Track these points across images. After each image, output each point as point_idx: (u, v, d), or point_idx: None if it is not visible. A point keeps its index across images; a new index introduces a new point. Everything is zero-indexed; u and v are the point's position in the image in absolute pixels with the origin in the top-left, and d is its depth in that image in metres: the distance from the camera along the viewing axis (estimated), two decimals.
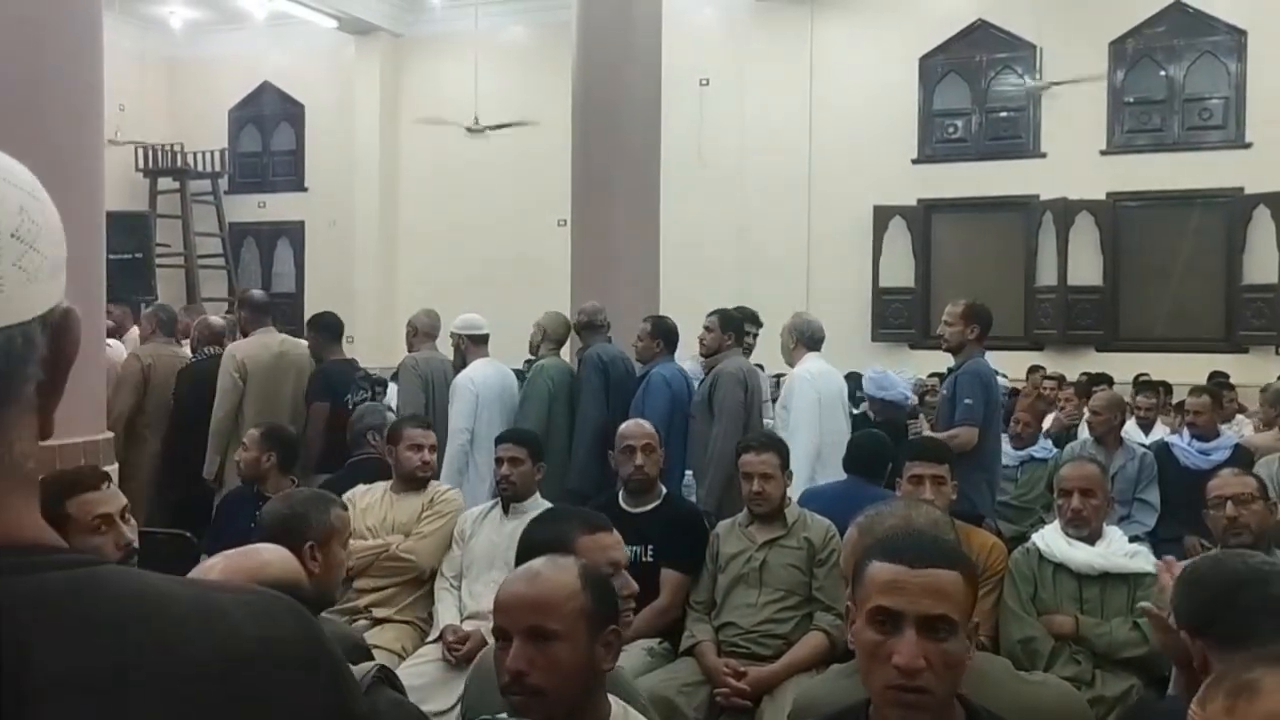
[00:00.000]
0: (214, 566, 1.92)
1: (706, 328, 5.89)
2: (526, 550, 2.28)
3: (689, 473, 5.50)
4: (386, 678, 2.18)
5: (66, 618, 0.68)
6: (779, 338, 6.04)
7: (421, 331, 6.68)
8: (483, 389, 5.93)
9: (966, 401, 5.19)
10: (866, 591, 1.72)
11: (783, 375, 6.29)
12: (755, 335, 6.39)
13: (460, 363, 6.23)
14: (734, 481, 4.89)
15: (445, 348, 6.65)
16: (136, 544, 2.82)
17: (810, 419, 5.39)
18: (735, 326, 5.87)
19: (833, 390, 5.71)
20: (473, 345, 6.26)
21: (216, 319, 7.26)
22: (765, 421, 5.87)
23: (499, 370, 6.21)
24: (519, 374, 6.67)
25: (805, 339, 5.84)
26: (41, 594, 0.68)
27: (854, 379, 9.66)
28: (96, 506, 2.74)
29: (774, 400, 6.38)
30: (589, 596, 1.87)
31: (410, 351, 6.65)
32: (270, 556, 2.08)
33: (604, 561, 2.31)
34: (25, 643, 0.66)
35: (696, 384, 5.89)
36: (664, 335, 5.95)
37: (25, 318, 0.71)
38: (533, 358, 6.52)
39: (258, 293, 6.75)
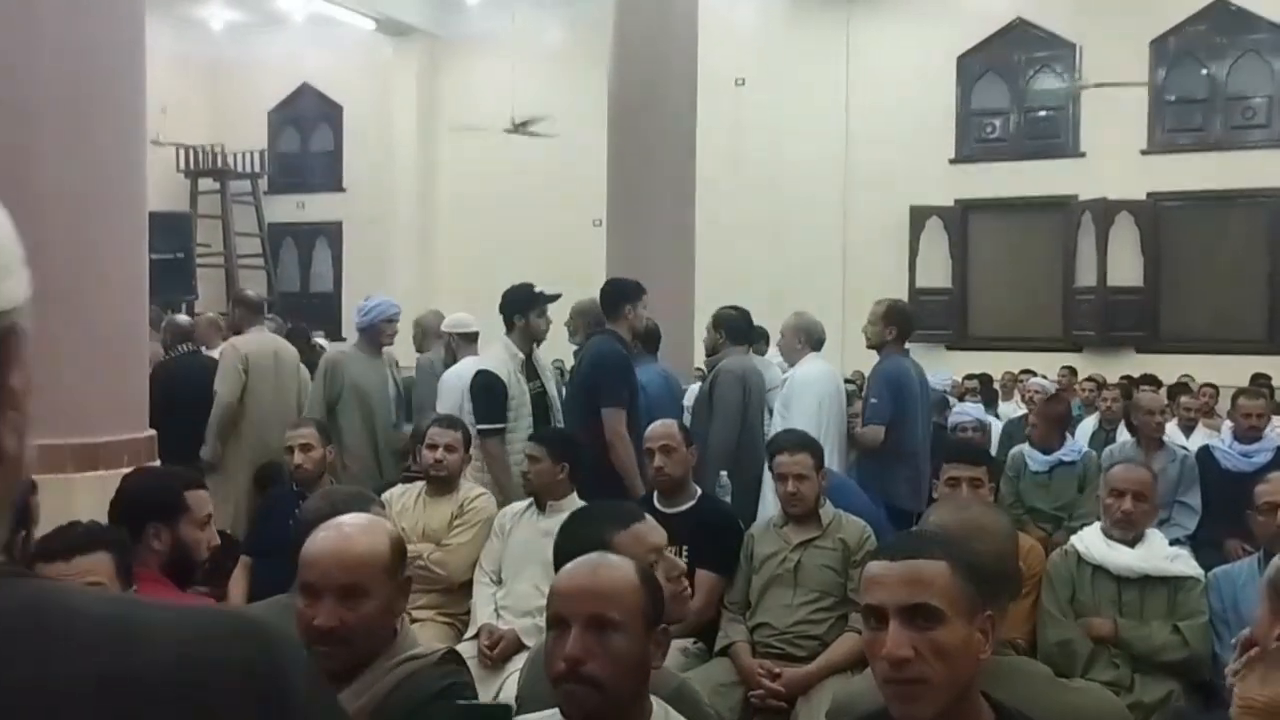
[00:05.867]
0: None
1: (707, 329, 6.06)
2: (566, 556, 2.26)
3: (724, 473, 5.49)
4: (454, 658, 2.23)
5: None
6: (781, 336, 6.04)
7: (430, 332, 6.90)
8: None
9: (873, 401, 5.56)
10: (861, 592, 1.77)
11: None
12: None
13: (450, 360, 6.30)
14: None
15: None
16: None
17: (809, 423, 5.35)
18: (729, 327, 5.88)
19: (832, 392, 5.70)
20: (463, 343, 6.36)
21: (183, 318, 7.44)
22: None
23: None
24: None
25: (809, 339, 5.83)
26: None
27: None
28: (205, 505, 2.93)
29: None
30: (645, 593, 1.90)
31: (420, 352, 6.89)
32: (354, 530, 2.16)
33: (646, 551, 2.31)
34: None
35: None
36: (639, 336, 5.92)
37: None
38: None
39: (252, 292, 6.84)
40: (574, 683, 1.80)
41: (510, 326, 5.29)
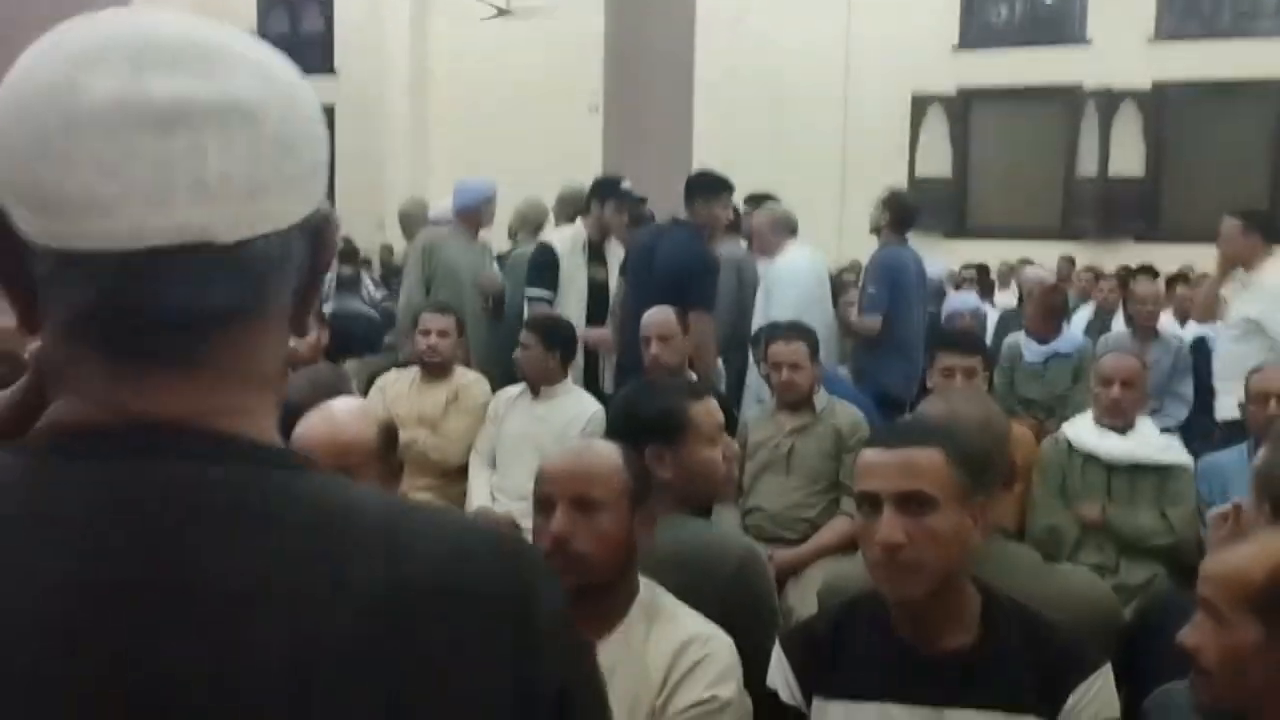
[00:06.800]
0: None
1: None
2: (628, 418, 2.43)
3: (718, 360, 5.50)
4: None
5: (235, 514, 0.65)
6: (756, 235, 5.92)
7: (416, 220, 7.01)
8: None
9: (870, 290, 5.53)
10: (855, 479, 1.81)
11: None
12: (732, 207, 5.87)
13: None
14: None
15: None
16: None
17: (788, 314, 5.27)
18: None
19: (814, 280, 5.63)
20: None
21: None
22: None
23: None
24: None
25: (786, 227, 5.77)
26: (222, 485, 0.65)
27: None
28: None
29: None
30: (630, 474, 1.94)
31: (410, 240, 6.84)
32: (342, 416, 2.17)
33: (715, 425, 2.45)
34: (184, 533, 0.64)
35: None
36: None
37: (283, 225, 0.68)
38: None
39: None
40: (559, 560, 1.84)
41: (587, 210, 5.49)
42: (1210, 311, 5.39)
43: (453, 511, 0.77)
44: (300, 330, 0.74)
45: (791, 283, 5.44)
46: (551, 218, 6.36)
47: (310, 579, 0.64)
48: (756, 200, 6.24)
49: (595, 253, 5.44)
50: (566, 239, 5.41)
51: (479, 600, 0.67)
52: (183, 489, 0.65)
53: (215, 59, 0.67)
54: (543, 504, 1.92)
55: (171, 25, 0.68)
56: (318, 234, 0.72)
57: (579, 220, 5.56)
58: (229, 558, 0.63)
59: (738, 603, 2.10)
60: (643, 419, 2.41)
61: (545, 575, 0.73)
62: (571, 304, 5.26)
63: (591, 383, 5.08)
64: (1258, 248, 5.05)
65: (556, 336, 4.32)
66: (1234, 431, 4.68)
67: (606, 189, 5.46)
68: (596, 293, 5.38)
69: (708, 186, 5.21)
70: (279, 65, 0.74)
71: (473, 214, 5.62)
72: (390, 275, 9.35)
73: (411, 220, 7.11)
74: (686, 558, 2.10)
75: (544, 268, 5.30)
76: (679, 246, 4.96)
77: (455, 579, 0.67)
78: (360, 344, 6.31)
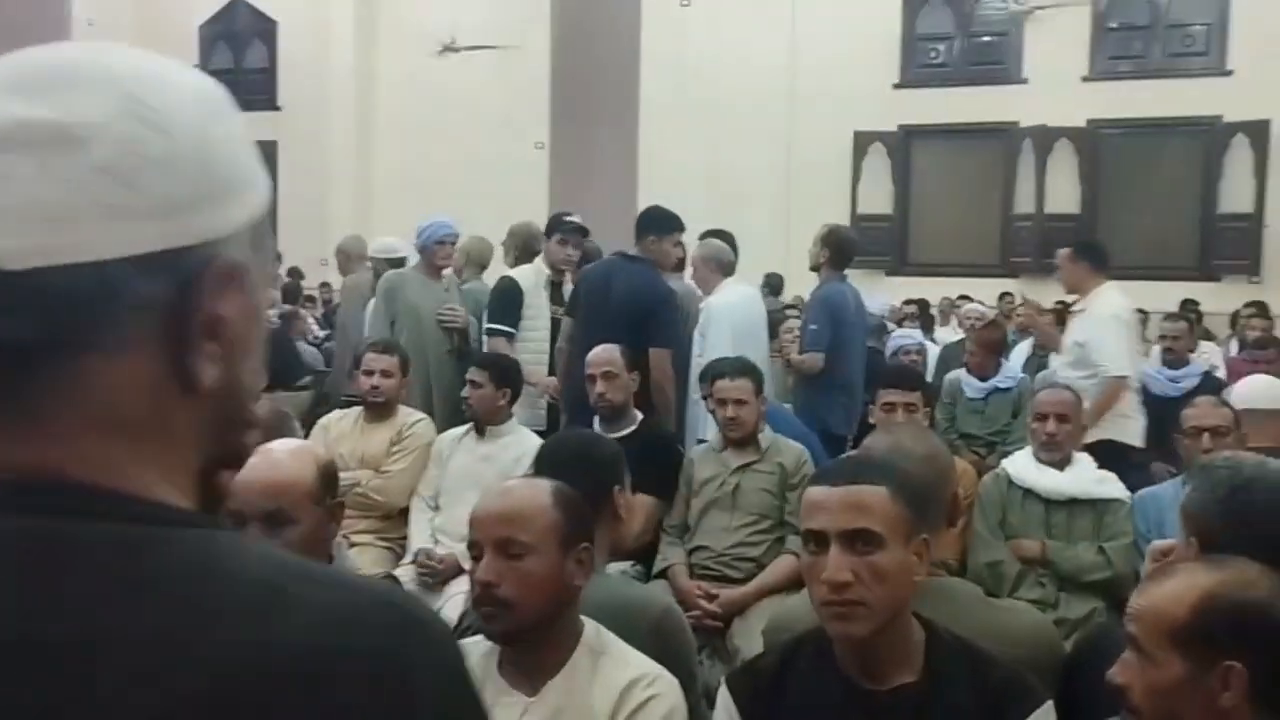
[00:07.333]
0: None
1: None
2: (594, 461, 2.48)
3: None
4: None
5: (80, 572, 0.61)
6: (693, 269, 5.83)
7: (353, 256, 6.96)
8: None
9: (812, 327, 5.55)
10: (801, 516, 1.82)
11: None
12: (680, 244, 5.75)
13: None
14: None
15: None
16: None
17: (725, 351, 5.24)
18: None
19: (750, 318, 5.55)
20: (390, 268, 6.21)
21: None
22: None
23: None
24: None
25: (720, 265, 5.68)
26: (67, 539, 0.62)
27: None
28: None
29: None
30: (561, 514, 1.92)
31: (345, 275, 6.96)
32: (279, 456, 2.12)
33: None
34: (22, 589, 0.61)
35: None
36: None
37: (100, 257, 0.63)
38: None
39: None
40: (488, 605, 1.84)
41: (544, 249, 5.50)
42: (1056, 341, 5.57)
43: (355, 578, 0.72)
44: (187, 381, 0.68)
45: (725, 319, 5.39)
46: (501, 253, 6.35)
47: (159, 641, 0.60)
48: (709, 236, 6.26)
49: (556, 291, 5.43)
50: (529, 276, 5.38)
51: (351, 671, 0.62)
52: (22, 544, 0.62)
53: (77, 83, 0.65)
54: (473, 549, 1.92)
55: (71, 52, 0.66)
56: (194, 275, 0.67)
57: (538, 259, 5.54)
58: (71, 616, 0.61)
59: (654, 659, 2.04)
60: (611, 460, 2.48)
61: (435, 646, 0.67)
62: (534, 341, 5.25)
63: (555, 422, 5.06)
64: (1085, 275, 5.25)
65: (506, 375, 4.32)
66: None
67: (550, 225, 5.50)
68: (558, 331, 5.34)
69: (660, 223, 5.21)
70: (163, 94, 0.69)
71: (429, 254, 5.61)
72: (333, 313, 9.31)
73: (348, 257, 7.09)
74: (604, 612, 2.06)
75: (507, 304, 5.26)
76: (637, 282, 4.92)
77: (328, 647, 0.62)
78: (277, 376, 6.29)
